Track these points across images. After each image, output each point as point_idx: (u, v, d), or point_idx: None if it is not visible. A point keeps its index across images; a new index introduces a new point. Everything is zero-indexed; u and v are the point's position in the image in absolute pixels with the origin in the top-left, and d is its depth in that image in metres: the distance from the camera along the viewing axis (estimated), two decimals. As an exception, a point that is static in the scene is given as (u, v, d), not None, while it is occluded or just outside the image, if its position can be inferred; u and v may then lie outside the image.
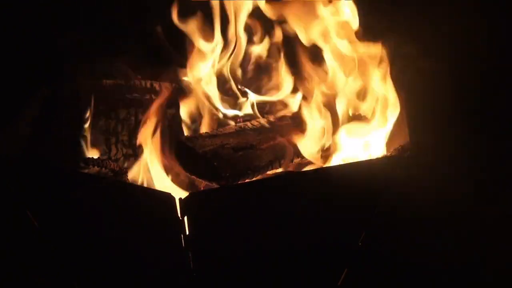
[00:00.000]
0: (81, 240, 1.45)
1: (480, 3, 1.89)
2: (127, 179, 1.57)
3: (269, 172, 1.52)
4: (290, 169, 1.60)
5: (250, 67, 1.79)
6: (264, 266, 1.42)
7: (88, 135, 1.67)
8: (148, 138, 1.51)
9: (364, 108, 1.64)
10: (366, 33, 1.60)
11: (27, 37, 1.80)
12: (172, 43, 1.77)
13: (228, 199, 1.34)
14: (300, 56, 1.67)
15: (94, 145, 1.69)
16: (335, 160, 1.59)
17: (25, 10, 1.81)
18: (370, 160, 1.54)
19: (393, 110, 1.58)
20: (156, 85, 1.75)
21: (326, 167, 1.56)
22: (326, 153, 1.62)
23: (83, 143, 1.68)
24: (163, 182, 1.50)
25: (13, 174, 1.46)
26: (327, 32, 1.61)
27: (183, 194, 1.29)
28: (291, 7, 1.63)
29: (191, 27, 1.66)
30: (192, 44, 1.68)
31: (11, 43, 1.78)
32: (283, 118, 1.69)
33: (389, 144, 1.61)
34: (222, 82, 1.74)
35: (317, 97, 1.62)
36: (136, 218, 1.34)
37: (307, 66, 1.67)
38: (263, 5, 1.66)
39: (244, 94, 1.75)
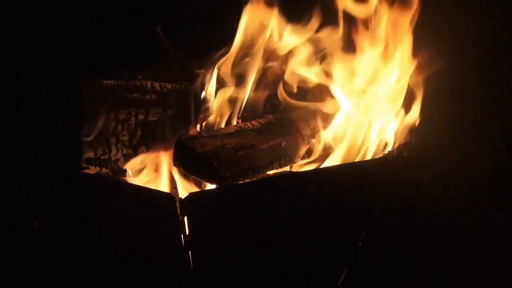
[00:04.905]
0: (81, 240, 1.45)
1: (491, 6, 1.90)
2: (127, 179, 1.57)
3: (269, 172, 1.52)
4: (290, 169, 1.61)
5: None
6: (264, 266, 1.42)
7: (88, 135, 1.67)
8: None
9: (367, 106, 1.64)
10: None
11: (27, 37, 1.80)
12: (172, 43, 1.77)
13: (228, 199, 1.34)
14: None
15: (94, 145, 1.69)
16: (336, 160, 1.59)
17: (25, 9, 1.81)
18: (370, 160, 1.54)
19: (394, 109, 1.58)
20: (156, 85, 1.75)
21: (326, 167, 1.56)
22: (326, 152, 1.62)
23: (83, 143, 1.68)
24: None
25: (13, 174, 1.46)
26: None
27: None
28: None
29: None
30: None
31: (12, 42, 1.78)
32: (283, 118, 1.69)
33: (389, 143, 1.61)
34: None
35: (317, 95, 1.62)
36: (136, 218, 1.34)
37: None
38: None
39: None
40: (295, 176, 1.48)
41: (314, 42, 1.66)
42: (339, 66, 1.64)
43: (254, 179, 1.46)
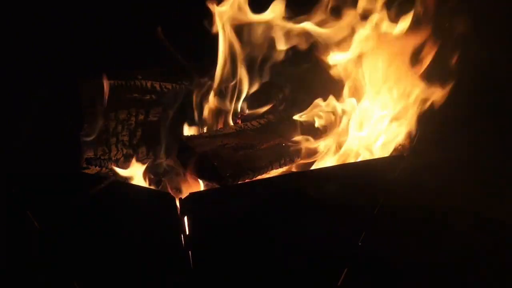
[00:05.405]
0: (81, 240, 1.45)
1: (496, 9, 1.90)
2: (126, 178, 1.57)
3: (269, 172, 1.52)
4: (290, 169, 1.60)
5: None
6: (264, 266, 1.42)
7: (88, 135, 1.67)
8: None
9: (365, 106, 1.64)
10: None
11: (27, 36, 1.80)
12: (173, 43, 1.77)
13: (228, 199, 1.34)
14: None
15: (94, 145, 1.69)
16: (336, 160, 1.59)
17: (25, 9, 1.81)
18: (370, 160, 1.54)
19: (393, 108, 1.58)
20: (156, 85, 1.75)
21: (326, 167, 1.56)
22: (326, 152, 1.62)
23: (83, 143, 1.68)
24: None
25: (13, 174, 1.46)
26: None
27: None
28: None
29: None
30: None
31: (12, 42, 1.78)
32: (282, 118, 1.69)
33: (389, 143, 1.61)
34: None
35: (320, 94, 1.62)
36: (136, 218, 1.34)
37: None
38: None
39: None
40: (295, 176, 1.48)
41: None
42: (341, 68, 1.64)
43: (254, 179, 1.47)
